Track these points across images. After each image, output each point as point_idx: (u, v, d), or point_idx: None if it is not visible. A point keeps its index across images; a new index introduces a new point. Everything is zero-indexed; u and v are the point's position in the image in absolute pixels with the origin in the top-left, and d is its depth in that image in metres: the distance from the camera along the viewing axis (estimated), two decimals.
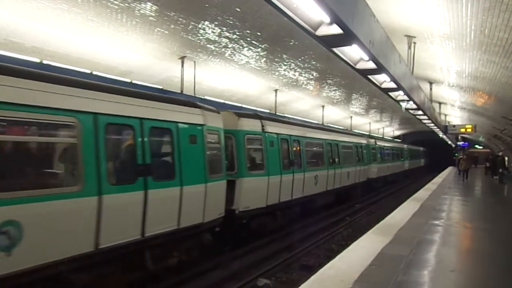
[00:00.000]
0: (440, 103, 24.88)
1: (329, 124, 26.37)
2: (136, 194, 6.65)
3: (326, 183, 15.89)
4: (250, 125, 10.97)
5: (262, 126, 11.28)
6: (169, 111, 7.71)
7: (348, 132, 23.13)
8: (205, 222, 8.34)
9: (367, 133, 31.52)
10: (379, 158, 25.68)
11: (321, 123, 24.90)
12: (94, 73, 12.07)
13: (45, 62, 10.82)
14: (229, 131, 10.12)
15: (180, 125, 7.83)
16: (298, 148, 13.67)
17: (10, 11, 8.78)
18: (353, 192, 20.57)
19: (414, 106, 14.45)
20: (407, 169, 37.07)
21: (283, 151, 12.40)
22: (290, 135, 13.03)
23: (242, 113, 11.49)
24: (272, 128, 11.82)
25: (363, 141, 22.82)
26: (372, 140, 25.14)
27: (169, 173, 7.54)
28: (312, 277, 5.14)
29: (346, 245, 9.25)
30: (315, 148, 15.88)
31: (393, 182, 30.85)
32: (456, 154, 41.16)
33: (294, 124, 14.87)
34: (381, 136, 37.68)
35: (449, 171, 34.25)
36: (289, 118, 20.77)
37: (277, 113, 19.89)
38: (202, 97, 15.23)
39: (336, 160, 17.16)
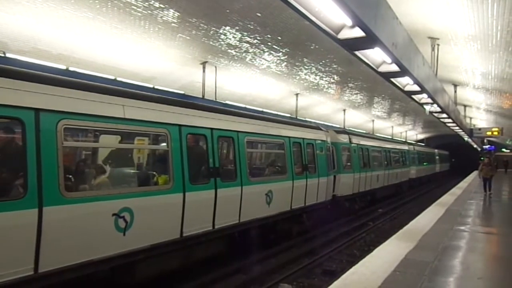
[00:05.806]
0: (465, 106, 24.37)
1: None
2: None
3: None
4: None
5: None
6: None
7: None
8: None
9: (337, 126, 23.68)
10: (356, 163, 16.87)
11: (342, 126, 24.64)
12: (118, 79, 12.32)
13: (71, 69, 11.11)
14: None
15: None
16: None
17: (38, 21, 9.07)
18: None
19: (438, 109, 14.21)
20: (414, 178, 29.99)
21: None
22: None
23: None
24: None
25: (318, 136, 12.83)
26: (343, 137, 16.31)
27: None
28: (335, 283, 5.09)
29: (369, 250, 9.13)
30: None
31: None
32: (481, 158, 40.07)
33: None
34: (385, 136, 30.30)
35: (474, 175, 33.41)
36: (310, 122, 20.55)
37: (298, 117, 19.84)
38: (223, 102, 15.33)
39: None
